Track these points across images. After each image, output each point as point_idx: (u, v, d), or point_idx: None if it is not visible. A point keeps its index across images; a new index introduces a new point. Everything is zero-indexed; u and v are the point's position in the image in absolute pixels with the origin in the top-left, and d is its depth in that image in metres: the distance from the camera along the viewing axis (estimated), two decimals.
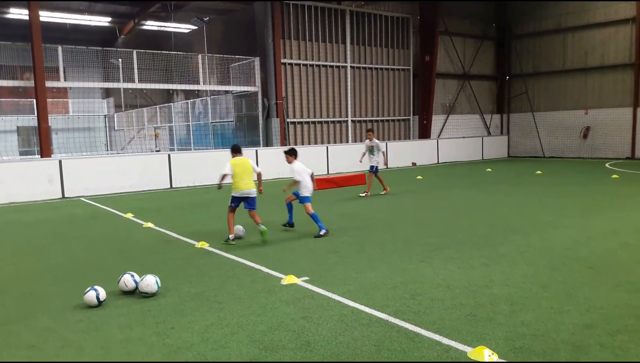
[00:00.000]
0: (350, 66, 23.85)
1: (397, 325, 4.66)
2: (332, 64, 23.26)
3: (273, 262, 6.97)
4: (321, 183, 15.03)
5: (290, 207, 9.67)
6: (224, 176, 8.51)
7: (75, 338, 4.65)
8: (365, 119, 24.55)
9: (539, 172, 18.81)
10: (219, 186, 8.85)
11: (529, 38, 27.69)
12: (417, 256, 7.12)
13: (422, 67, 25.70)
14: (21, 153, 32.47)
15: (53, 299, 5.79)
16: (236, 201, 8.54)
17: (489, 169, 20.70)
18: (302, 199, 9.10)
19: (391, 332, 4.52)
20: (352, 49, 23.85)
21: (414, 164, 23.85)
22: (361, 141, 24.02)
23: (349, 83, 23.87)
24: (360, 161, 14.79)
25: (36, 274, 6.93)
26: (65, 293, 5.99)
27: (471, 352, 4.05)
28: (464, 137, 27.04)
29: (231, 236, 8.42)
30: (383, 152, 14.25)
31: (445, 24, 26.12)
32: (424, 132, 25.95)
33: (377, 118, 25.04)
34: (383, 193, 14.06)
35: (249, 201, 8.52)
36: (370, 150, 14.04)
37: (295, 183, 9.16)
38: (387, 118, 25.46)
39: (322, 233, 8.74)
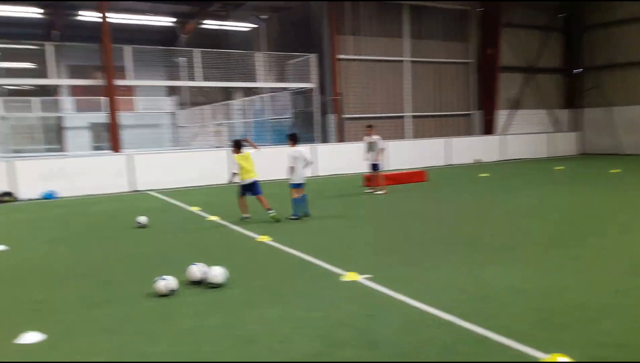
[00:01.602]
0: (409, 61, 23.49)
1: (465, 327, 4.54)
2: (389, 58, 22.99)
3: (334, 258, 6.97)
4: (380, 180, 14.90)
5: (299, 200, 10.16)
6: (234, 174, 10.04)
7: (149, 325, 4.84)
8: (425, 114, 24.13)
9: (616, 170, 17.74)
10: (230, 181, 10.25)
11: (601, 28, 26.15)
12: (485, 257, 6.91)
13: (485, 61, 24.94)
14: (93, 148, 34.13)
15: (127, 287, 6.06)
16: (244, 189, 10.06)
17: (560, 167, 19.77)
18: (291, 185, 10.03)
19: (459, 334, 4.42)
20: (410, 43, 23.48)
21: (477, 160, 23.19)
22: (421, 137, 23.71)
23: (407, 78, 23.53)
24: (367, 160, 14.08)
25: (110, 263, 7.28)
26: (138, 281, 6.25)
27: (545, 359, 3.89)
28: (530, 133, 25.96)
29: (244, 215, 10.16)
30: (381, 149, 13.83)
31: (509, 15, 25.17)
32: (488, 128, 25.15)
33: (438, 113, 24.55)
34: (377, 192, 13.57)
35: (255, 187, 9.98)
36: (371, 146, 13.74)
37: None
38: (448, 113, 24.90)
39: (292, 217, 9.97)
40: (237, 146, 10.24)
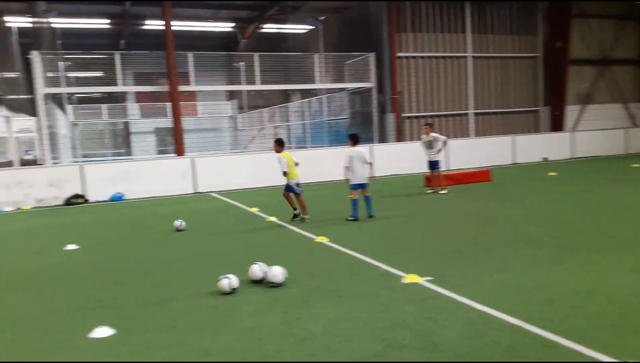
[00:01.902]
0: (472, 56, 22.89)
1: (531, 331, 4.35)
2: (451, 55, 22.52)
3: (393, 260, 6.88)
4: (440, 179, 14.60)
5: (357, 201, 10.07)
6: (286, 172, 10.04)
7: (211, 322, 4.96)
8: (488, 111, 23.44)
9: None
10: (285, 173, 10.14)
11: None
12: (550, 258, 6.61)
13: (553, 54, 23.88)
14: (158, 152, 35.49)
15: (187, 285, 6.24)
16: (290, 187, 10.12)
17: (637, 165, 18.52)
18: (350, 186, 9.97)
19: (524, 338, 4.24)
20: (473, 38, 22.88)
21: (545, 159, 22.21)
22: (484, 135, 23.06)
23: (470, 74, 22.95)
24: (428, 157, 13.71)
25: (174, 261, 7.53)
26: (198, 280, 6.43)
27: None
28: (603, 129, 24.51)
29: (297, 211, 10.26)
30: (444, 141, 13.51)
31: (579, 5, 23.96)
32: (556, 125, 24.06)
33: (502, 110, 23.78)
34: (441, 192, 13.26)
35: (298, 187, 10.13)
36: (429, 144, 13.36)
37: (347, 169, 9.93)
38: (513, 110, 24.05)
39: (350, 218, 9.96)
40: (281, 143, 10.43)
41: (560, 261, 6.44)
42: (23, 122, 21.72)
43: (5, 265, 7.99)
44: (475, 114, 23.26)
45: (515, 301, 5.08)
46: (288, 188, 10.21)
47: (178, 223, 9.96)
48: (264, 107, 34.24)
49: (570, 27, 23.46)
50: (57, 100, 23.67)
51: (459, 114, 23.01)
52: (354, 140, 10.23)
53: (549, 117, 24.37)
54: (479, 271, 6.22)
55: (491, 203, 11.60)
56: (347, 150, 10.14)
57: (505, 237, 8.03)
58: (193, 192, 16.60)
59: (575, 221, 9.08)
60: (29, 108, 25.42)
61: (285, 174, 10.07)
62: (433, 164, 13.48)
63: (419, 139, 21.73)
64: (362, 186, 10.12)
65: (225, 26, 31.39)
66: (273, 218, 10.74)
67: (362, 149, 10.27)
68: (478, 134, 23.16)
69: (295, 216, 10.37)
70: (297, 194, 10.28)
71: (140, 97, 37.08)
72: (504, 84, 23.77)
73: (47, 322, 5.22)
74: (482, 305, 5.00)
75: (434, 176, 13.57)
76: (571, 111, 24.64)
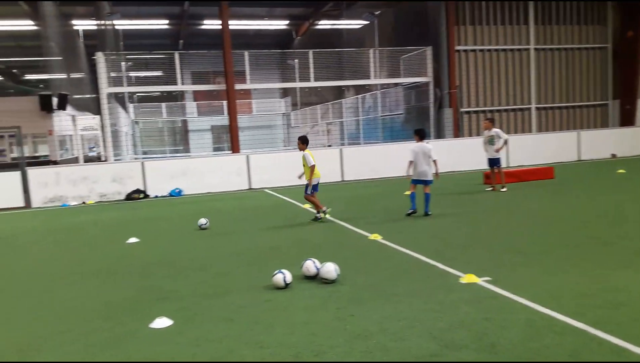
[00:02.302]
0: (534, 48, 22.06)
1: (598, 336, 4.13)
2: (512, 47, 21.80)
3: (450, 259, 6.72)
4: (500, 176, 14.18)
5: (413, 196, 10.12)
6: (313, 166, 9.98)
7: (266, 316, 5.01)
8: (552, 105, 22.55)
9: None
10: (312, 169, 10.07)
11: None
12: (619, 261, 6.25)
13: (624, 45, 22.62)
14: (214, 149, 36.36)
15: (243, 279, 6.34)
16: (315, 187, 10.15)
17: None
18: (411, 181, 9.99)
19: (590, 343, 4.02)
20: (536, 30, 22.03)
21: (613, 155, 21.02)
22: (547, 130, 22.21)
23: (532, 67, 22.12)
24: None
25: (230, 255, 7.67)
26: (254, 274, 6.51)
27: None
28: None
29: (325, 208, 10.16)
30: (505, 140, 12.90)
31: None
32: (627, 119, 22.72)
33: (567, 104, 22.81)
34: (502, 190, 12.79)
35: (317, 186, 10.17)
36: (490, 140, 12.86)
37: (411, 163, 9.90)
38: (579, 104, 23.00)
39: (410, 211, 10.01)
40: (306, 141, 10.36)
41: (630, 264, 6.08)
42: (87, 120, 22.76)
43: (73, 256, 8.40)
44: (538, 108, 22.41)
45: (580, 304, 4.84)
46: (314, 188, 10.17)
47: (203, 221, 9.98)
48: (317, 104, 34.38)
49: None
50: (119, 99, 24.71)
51: (520, 109, 22.24)
52: (420, 135, 10.11)
53: (619, 112, 23.10)
54: (540, 272, 5.97)
55: (554, 202, 11.13)
56: (412, 145, 10.04)
57: (569, 237, 7.68)
58: (247, 188, 16.90)
59: None
60: (93, 107, 26.66)
61: (312, 170, 10.03)
62: (493, 162, 13.04)
63: (477, 134, 21.28)
64: (423, 183, 10.00)
65: (280, 24, 31.73)
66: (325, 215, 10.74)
67: (428, 145, 10.13)
68: (540, 129, 22.31)
69: (317, 218, 10.25)
70: (312, 193, 10.18)
71: (197, 95, 38.14)
72: (569, 77, 22.77)
73: (114, 311, 5.43)
74: (544, 307, 4.79)
75: (494, 173, 13.15)
76: None
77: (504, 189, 12.89)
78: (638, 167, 17.15)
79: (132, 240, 9.22)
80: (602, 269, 5.93)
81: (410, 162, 9.94)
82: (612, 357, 3.77)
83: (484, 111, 21.73)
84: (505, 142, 13.00)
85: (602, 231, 7.92)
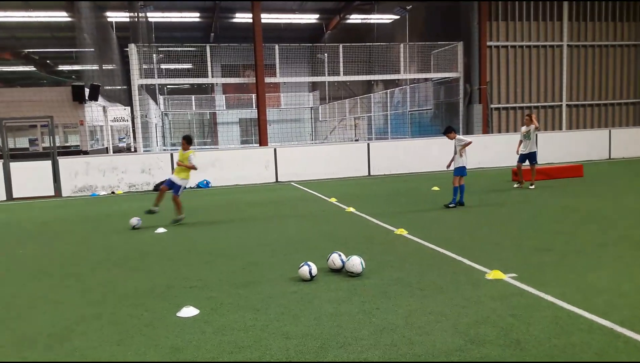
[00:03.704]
0: (568, 45, 21.62)
1: (625, 335, 4.09)
2: (545, 43, 21.41)
3: (476, 255, 6.70)
4: (530, 174, 13.97)
5: (455, 190, 10.52)
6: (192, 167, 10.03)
7: (292, 307, 5.09)
8: (583, 103, 22.10)
9: None
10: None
11: None
12: None
13: None
14: (241, 142, 36.67)
15: (272, 270, 6.44)
16: (180, 188, 10.04)
17: None
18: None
19: (617, 342, 3.99)
20: (569, 26, 21.58)
21: None
22: (578, 128, 21.77)
23: (565, 64, 21.68)
24: (517, 153, 13.04)
25: (257, 246, 7.79)
26: (281, 265, 6.61)
27: None
28: None
29: (183, 216, 10.10)
30: (537, 126, 12.91)
31: None
32: None
33: (599, 102, 22.32)
34: (532, 186, 12.67)
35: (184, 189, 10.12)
36: (527, 135, 12.67)
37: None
38: (612, 101, 22.48)
39: (450, 205, 10.38)
40: (190, 142, 10.30)
41: None
42: (118, 111, 23.23)
43: (103, 244, 8.63)
44: (569, 105, 21.98)
45: (609, 303, 4.78)
46: (178, 189, 10.03)
47: (135, 221, 9.78)
48: (345, 99, 34.34)
49: None
50: (150, 91, 25.11)
51: (551, 106, 21.85)
52: (450, 131, 10.73)
53: None
54: (568, 270, 5.91)
55: (583, 200, 10.94)
56: (458, 137, 10.68)
57: (599, 236, 7.56)
58: (274, 181, 17.04)
59: None
60: (124, 98, 27.16)
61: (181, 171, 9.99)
62: (526, 156, 12.84)
63: (506, 131, 21.00)
64: (457, 173, 10.49)
65: (311, 18, 31.74)
66: (351, 209, 10.79)
67: (462, 136, 10.83)
68: (571, 126, 21.88)
69: (151, 211, 10.10)
70: (174, 194, 10.05)
71: (226, 88, 38.46)
72: (602, 74, 22.26)
73: (143, 299, 5.59)
74: (571, 305, 4.76)
75: (528, 169, 12.97)
76: None
77: (532, 187, 12.72)
78: None
79: (160, 230, 9.43)
80: (633, 268, 5.84)
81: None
82: (638, 356, 3.74)
83: (513, 108, 21.42)
84: (537, 128, 12.99)
85: (632, 231, 7.77)
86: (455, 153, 10.65)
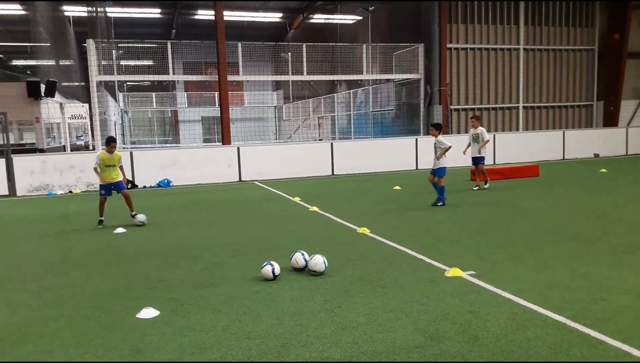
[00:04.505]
0: (524, 48, 22.32)
1: (577, 329, 4.26)
2: (502, 46, 22.02)
3: (436, 253, 6.84)
4: (488, 174, 14.32)
5: (442, 189, 10.67)
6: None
7: (254, 306, 5.07)
8: (539, 105, 22.86)
9: None
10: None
11: None
12: (602, 257, 6.41)
13: (610, 47, 22.97)
14: (204, 140, 36.21)
15: (234, 270, 6.39)
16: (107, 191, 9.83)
17: None
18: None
19: (570, 336, 4.15)
20: (526, 30, 22.28)
21: (596, 155, 21.43)
22: (534, 129, 22.46)
23: (521, 66, 22.36)
24: (464, 153, 13.38)
25: (219, 246, 7.71)
26: (244, 265, 6.57)
27: None
28: None
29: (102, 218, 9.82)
30: (486, 141, 13.03)
31: None
32: (610, 120, 23.18)
33: (553, 104, 23.14)
34: (485, 187, 13.03)
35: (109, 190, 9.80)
36: (475, 138, 13.03)
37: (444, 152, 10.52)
38: (565, 104, 23.33)
39: (439, 204, 10.53)
40: (110, 142, 9.88)
41: (612, 260, 6.24)
42: (76, 108, 22.56)
43: (61, 245, 8.39)
44: (525, 107, 22.67)
45: (562, 299, 4.97)
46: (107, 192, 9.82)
47: (142, 217, 9.72)
48: (309, 98, 34.38)
49: (630, 18, 22.45)
50: (109, 87, 24.51)
51: (508, 108, 22.48)
52: (439, 129, 10.87)
53: (603, 112, 23.46)
54: (525, 267, 6.10)
55: (539, 199, 11.30)
56: (438, 138, 10.72)
57: (553, 234, 7.83)
58: (237, 180, 16.91)
59: (627, 219, 8.74)
60: (82, 95, 26.41)
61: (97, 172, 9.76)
62: (477, 160, 13.16)
63: (465, 132, 21.46)
64: (437, 174, 10.66)
65: (274, 16, 31.63)
66: (315, 208, 10.83)
67: (442, 139, 10.77)
68: (527, 128, 22.58)
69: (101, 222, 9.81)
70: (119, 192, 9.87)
71: (188, 86, 37.92)
72: (557, 77, 23.07)
73: (101, 301, 5.46)
74: (527, 301, 4.92)
75: (478, 171, 13.29)
76: (627, 106, 23.69)
77: (487, 186, 13.07)
78: (620, 167, 17.48)
79: (120, 230, 9.23)
80: (585, 265, 6.07)
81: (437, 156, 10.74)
82: (589, 350, 3.90)
83: (472, 109, 21.93)
84: (486, 142, 13.09)
85: (585, 228, 8.08)
86: (435, 154, 10.71)
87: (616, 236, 7.50)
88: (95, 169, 9.76)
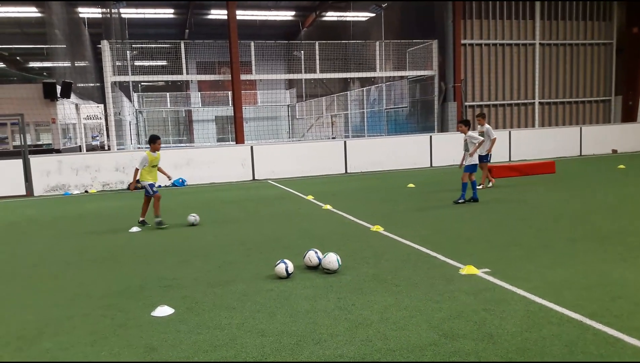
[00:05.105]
0: (540, 43, 22.07)
1: (593, 327, 4.20)
2: (518, 42, 21.79)
3: (450, 251, 6.79)
4: (503, 171, 14.21)
5: (465, 186, 10.52)
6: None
7: (268, 304, 5.08)
8: (555, 100, 22.58)
9: None
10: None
11: None
12: (617, 255, 6.31)
13: (629, 41, 22.59)
14: (218, 140, 36.36)
15: (247, 268, 6.41)
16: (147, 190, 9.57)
17: None
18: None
19: (586, 334, 4.09)
20: (542, 25, 22.02)
21: (614, 151, 21.08)
22: (550, 125, 22.22)
23: (537, 62, 22.11)
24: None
25: (233, 245, 7.75)
26: (257, 263, 6.59)
27: None
28: None
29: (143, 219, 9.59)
30: (494, 138, 12.56)
31: None
32: (629, 115, 22.79)
33: (570, 99, 22.85)
34: (490, 185, 12.77)
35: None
36: (482, 136, 12.80)
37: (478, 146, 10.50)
38: (582, 99, 23.03)
39: (460, 201, 10.38)
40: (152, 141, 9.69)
41: (629, 258, 6.14)
42: (91, 109, 22.80)
43: (76, 244, 8.49)
44: (541, 103, 22.41)
45: (578, 297, 4.90)
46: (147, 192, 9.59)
47: (192, 218, 9.55)
48: (322, 96, 34.35)
49: None
50: (124, 88, 24.74)
51: (524, 103, 22.25)
52: (467, 125, 10.79)
53: (621, 107, 23.10)
54: (540, 265, 6.03)
55: (555, 196, 11.16)
56: (469, 133, 10.65)
57: (570, 231, 7.73)
58: (251, 179, 16.97)
59: None
60: (97, 95, 26.68)
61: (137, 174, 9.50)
62: (483, 157, 12.92)
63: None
64: (468, 170, 10.55)
65: (287, 15, 31.64)
66: (328, 206, 10.82)
67: (473, 133, 10.73)
68: (543, 124, 22.33)
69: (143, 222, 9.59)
70: (148, 196, 9.66)
71: (202, 86, 38.13)
72: (574, 72, 22.77)
73: (116, 299, 5.51)
74: (542, 299, 4.86)
75: (497, 166, 13.08)
76: None
77: (490, 185, 12.82)
78: (638, 163, 17.16)
79: (134, 229, 9.31)
80: (602, 263, 5.99)
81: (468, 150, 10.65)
82: (606, 348, 3.84)
83: (487, 105, 21.72)
84: (494, 140, 12.66)
85: (602, 226, 7.97)
86: (465, 151, 10.63)
87: (633, 234, 7.38)
88: (137, 169, 9.44)
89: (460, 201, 10.51)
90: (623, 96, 23.09)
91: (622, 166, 15.94)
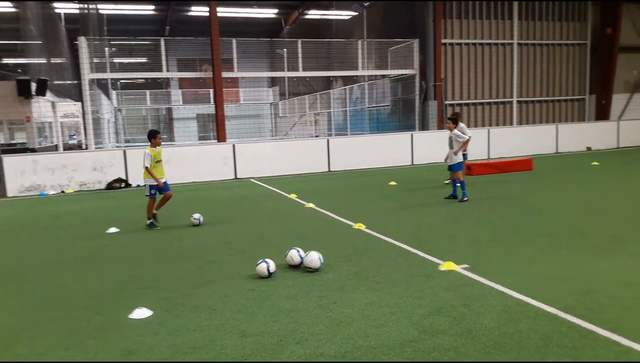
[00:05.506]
0: (518, 43, 22.35)
1: (568, 320, 4.30)
2: (497, 41, 22.04)
3: (430, 248, 6.86)
4: (482, 168, 14.37)
5: (462, 183, 10.51)
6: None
7: (249, 304, 5.07)
8: (532, 99, 22.91)
9: None
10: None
11: None
12: (593, 249, 6.46)
13: (602, 41, 23.04)
14: (199, 138, 36.08)
15: (229, 268, 6.39)
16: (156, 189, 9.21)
17: None
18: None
19: (561, 327, 4.18)
20: (519, 25, 22.31)
21: (588, 148, 21.54)
22: (528, 123, 22.53)
23: (515, 61, 22.40)
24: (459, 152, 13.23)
25: (214, 244, 7.71)
26: (239, 263, 6.58)
27: None
28: None
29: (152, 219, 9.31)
30: (468, 138, 12.61)
31: None
32: (602, 114, 23.29)
33: (547, 98, 23.21)
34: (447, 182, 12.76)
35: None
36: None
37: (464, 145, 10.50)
38: (558, 98, 23.41)
39: (465, 199, 10.31)
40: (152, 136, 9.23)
41: (603, 252, 6.29)
42: (68, 107, 22.39)
43: (52, 245, 8.36)
44: (519, 102, 22.72)
45: (553, 291, 5.00)
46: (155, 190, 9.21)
47: (196, 219, 9.34)
48: (305, 94, 34.31)
49: (621, 13, 22.54)
50: (102, 85, 24.35)
51: (503, 102, 22.53)
52: (455, 121, 10.65)
53: (595, 106, 23.57)
54: (517, 260, 6.13)
55: (532, 193, 11.34)
56: (454, 132, 10.52)
57: (546, 227, 7.86)
58: (233, 178, 16.88)
59: (619, 211, 8.79)
60: (75, 93, 26.25)
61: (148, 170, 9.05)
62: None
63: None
64: (456, 169, 10.51)
65: (269, 12, 31.51)
66: (311, 205, 10.83)
67: (459, 132, 10.63)
68: (521, 122, 22.65)
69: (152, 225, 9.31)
70: (162, 193, 9.35)
71: (183, 83, 37.79)
72: (550, 72, 23.13)
73: (94, 302, 5.44)
74: (519, 294, 4.95)
75: (482, 164, 13.17)
76: (618, 100, 23.84)
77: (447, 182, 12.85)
78: (611, 160, 17.58)
79: (113, 229, 9.18)
80: (576, 257, 6.11)
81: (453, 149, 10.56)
82: (579, 340, 3.94)
83: (467, 104, 21.94)
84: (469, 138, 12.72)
85: (578, 221, 8.13)
86: (450, 148, 10.57)
87: (608, 228, 7.54)
88: (147, 168, 9.01)
89: (465, 199, 10.46)
90: (597, 95, 23.56)
91: (596, 163, 16.30)
